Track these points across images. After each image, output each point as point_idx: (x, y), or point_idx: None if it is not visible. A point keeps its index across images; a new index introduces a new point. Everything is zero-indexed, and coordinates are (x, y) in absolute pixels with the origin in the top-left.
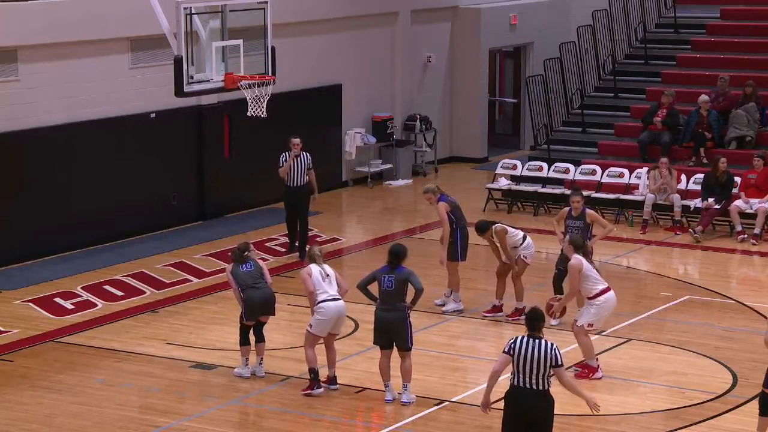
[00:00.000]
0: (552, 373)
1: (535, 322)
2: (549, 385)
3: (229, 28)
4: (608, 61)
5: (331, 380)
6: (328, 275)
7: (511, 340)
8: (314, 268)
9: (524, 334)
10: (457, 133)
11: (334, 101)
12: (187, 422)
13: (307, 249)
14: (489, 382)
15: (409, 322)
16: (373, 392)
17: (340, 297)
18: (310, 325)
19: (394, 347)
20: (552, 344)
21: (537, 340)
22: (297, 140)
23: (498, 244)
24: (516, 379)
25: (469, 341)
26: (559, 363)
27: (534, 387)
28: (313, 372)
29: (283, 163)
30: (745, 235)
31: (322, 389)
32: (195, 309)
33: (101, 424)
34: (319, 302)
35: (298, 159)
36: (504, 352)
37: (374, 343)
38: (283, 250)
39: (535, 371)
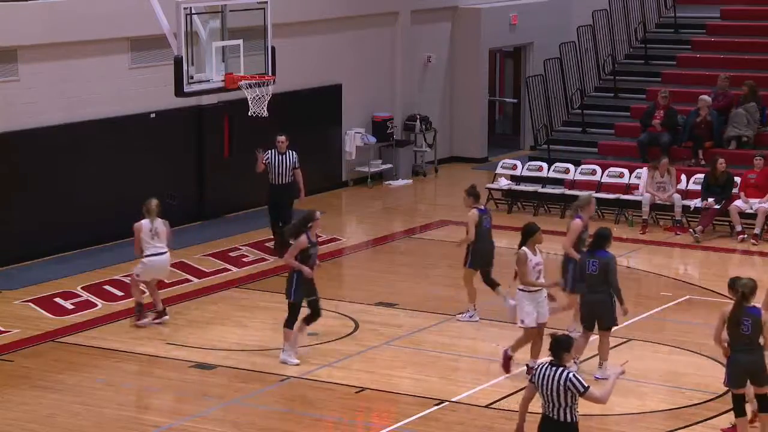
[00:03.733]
0: (576, 402)
1: (556, 349)
2: (572, 417)
3: (229, 28)
4: (608, 61)
5: (160, 314)
6: (157, 233)
7: (536, 367)
8: (145, 224)
9: (548, 360)
10: (457, 133)
11: (334, 101)
12: (187, 422)
13: (146, 203)
14: (519, 409)
15: (613, 301)
16: (373, 392)
17: (165, 251)
18: (137, 274)
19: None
20: (567, 372)
21: (554, 369)
22: (282, 137)
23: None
24: (543, 408)
25: (469, 341)
26: (581, 390)
27: (556, 418)
28: (139, 305)
29: (265, 158)
30: (745, 235)
31: (147, 319)
32: (195, 309)
33: (101, 424)
34: (146, 255)
35: (284, 157)
36: (529, 380)
37: (582, 322)
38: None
39: (555, 401)
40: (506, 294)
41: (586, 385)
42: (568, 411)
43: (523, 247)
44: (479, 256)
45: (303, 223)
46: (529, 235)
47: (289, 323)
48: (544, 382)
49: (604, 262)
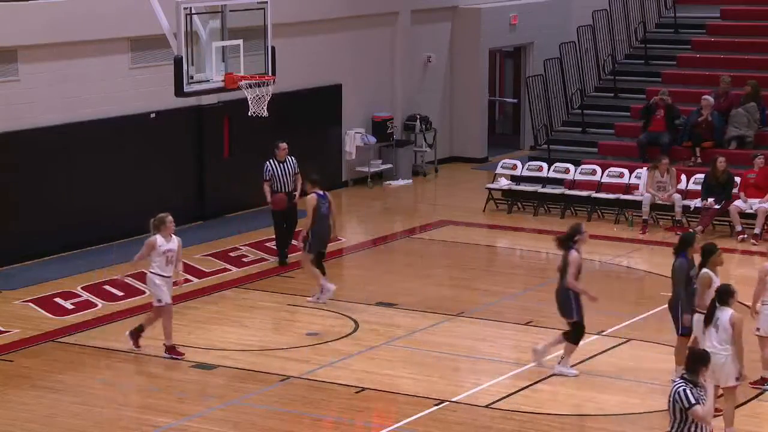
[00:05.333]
0: (691, 420)
1: (693, 363)
2: None
3: (229, 28)
4: (608, 61)
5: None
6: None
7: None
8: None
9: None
10: (457, 133)
11: (334, 101)
12: (187, 422)
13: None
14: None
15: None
16: (373, 392)
17: None
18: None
19: None
20: (678, 386)
21: (676, 382)
22: (284, 144)
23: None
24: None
25: (469, 341)
26: (686, 405)
27: None
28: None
29: (267, 175)
30: (745, 235)
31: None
32: (195, 309)
33: (101, 424)
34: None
35: (284, 165)
36: None
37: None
38: None
39: (671, 415)
40: (325, 281)
41: (693, 402)
42: (680, 426)
43: (706, 269)
44: (317, 239)
45: (569, 237)
46: (709, 255)
47: (575, 339)
48: (669, 396)
49: (673, 266)
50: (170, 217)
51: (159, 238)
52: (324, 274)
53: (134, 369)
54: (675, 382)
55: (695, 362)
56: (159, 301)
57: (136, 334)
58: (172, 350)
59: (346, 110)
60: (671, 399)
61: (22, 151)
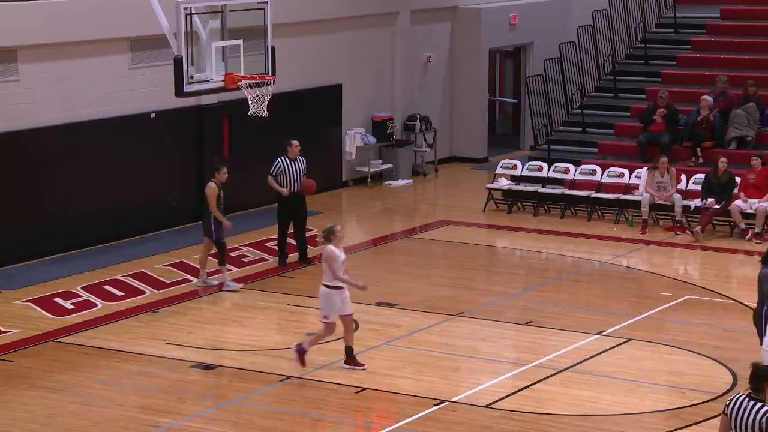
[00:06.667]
0: None
1: (757, 381)
2: None
3: (229, 28)
4: (608, 61)
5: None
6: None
7: (730, 398)
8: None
9: (745, 392)
10: (457, 133)
11: (334, 101)
12: (187, 422)
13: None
14: None
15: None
16: (373, 392)
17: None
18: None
19: None
20: (767, 410)
21: (753, 403)
22: (296, 142)
23: None
24: None
25: (469, 341)
26: None
27: None
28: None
29: (275, 170)
30: (750, 234)
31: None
32: (195, 309)
33: (101, 424)
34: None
35: (295, 163)
36: (723, 412)
37: None
38: None
39: None
40: (227, 277)
41: None
42: None
43: None
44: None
45: None
46: None
47: None
48: (739, 416)
49: (761, 275)
50: (338, 227)
51: (335, 249)
52: (222, 265)
53: (134, 369)
54: (748, 401)
55: (759, 380)
56: (326, 317)
57: (302, 350)
58: (352, 361)
59: (346, 110)
60: (758, 422)
61: (22, 151)
